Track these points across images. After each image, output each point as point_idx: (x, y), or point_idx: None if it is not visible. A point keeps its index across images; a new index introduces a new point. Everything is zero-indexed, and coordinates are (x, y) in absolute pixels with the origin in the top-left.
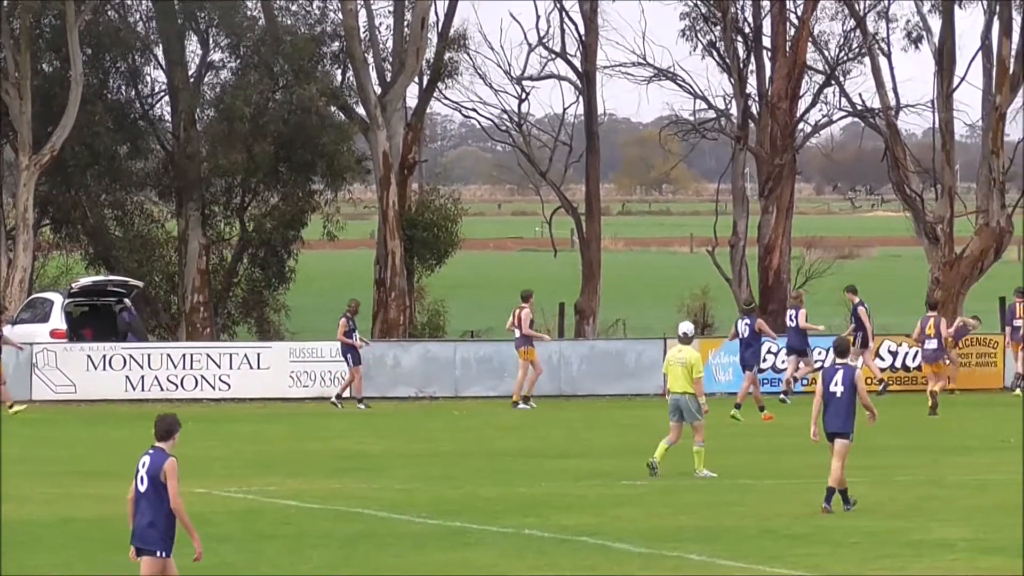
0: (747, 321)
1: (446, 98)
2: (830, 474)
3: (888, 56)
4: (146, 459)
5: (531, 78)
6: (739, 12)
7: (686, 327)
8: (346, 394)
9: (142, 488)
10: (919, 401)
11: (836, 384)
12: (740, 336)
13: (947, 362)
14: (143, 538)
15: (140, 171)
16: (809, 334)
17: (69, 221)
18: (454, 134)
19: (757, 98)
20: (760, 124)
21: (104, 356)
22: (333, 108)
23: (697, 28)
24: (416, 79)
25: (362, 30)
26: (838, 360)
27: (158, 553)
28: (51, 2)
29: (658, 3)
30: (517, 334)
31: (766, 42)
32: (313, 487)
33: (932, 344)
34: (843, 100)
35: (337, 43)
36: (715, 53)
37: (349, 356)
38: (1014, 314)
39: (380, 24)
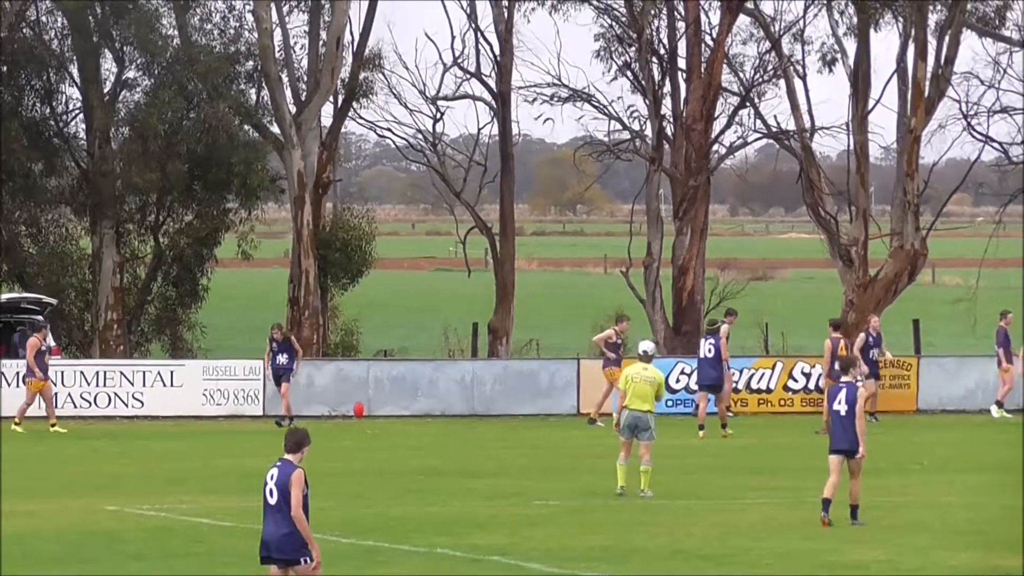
0: (712, 341)
1: (361, 117)
2: (849, 491)
3: (803, 78)
4: (274, 471)
5: (446, 98)
6: (654, 34)
7: (647, 346)
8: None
9: (271, 500)
10: None
11: (840, 403)
12: (705, 356)
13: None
14: (283, 549)
15: (55, 188)
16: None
17: None
18: (369, 154)
19: (672, 119)
20: (675, 145)
21: (17, 373)
22: (247, 127)
23: (612, 49)
24: (331, 98)
25: (277, 49)
26: (842, 378)
27: (303, 560)
28: None
29: (573, 24)
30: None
31: (681, 64)
32: (226, 505)
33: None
34: (758, 122)
35: (252, 62)
36: (630, 74)
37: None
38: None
39: (295, 43)
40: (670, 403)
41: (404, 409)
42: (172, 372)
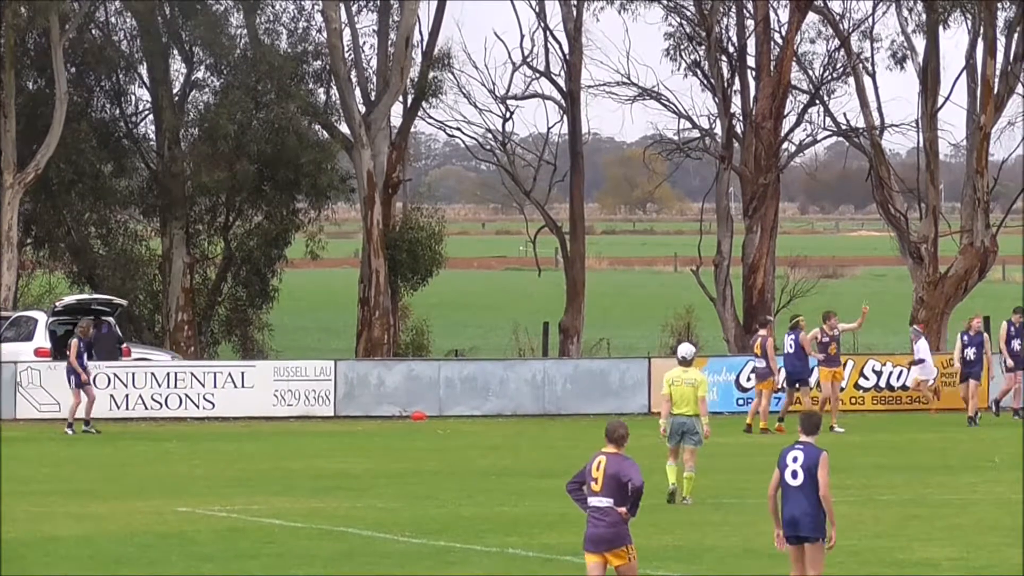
0: (792, 336)
1: (430, 117)
2: None
3: (872, 76)
4: (797, 454)
5: (515, 97)
6: (723, 32)
7: (687, 350)
8: (79, 414)
9: (795, 482)
10: (902, 421)
11: None
12: (787, 352)
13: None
14: (807, 527)
15: (124, 189)
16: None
17: (53, 239)
18: (438, 153)
19: (741, 117)
20: (744, 143)
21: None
22: (316, 126)
23: (681, 48)
24: (400, 98)
25: (346, 49)
26: None
27: (820, 539)
28: (36, 20)
29: (643, 23)
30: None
31: (750, 62)
32: (296, 506)
33: (761, 363)
34: (827, 120)
35: (320, 62)
36: (699, 72)
37: (72, 378)
38: None
39: (364, 43)
40: (740, 402)
41: (475, 409)
42: (243, 373)
